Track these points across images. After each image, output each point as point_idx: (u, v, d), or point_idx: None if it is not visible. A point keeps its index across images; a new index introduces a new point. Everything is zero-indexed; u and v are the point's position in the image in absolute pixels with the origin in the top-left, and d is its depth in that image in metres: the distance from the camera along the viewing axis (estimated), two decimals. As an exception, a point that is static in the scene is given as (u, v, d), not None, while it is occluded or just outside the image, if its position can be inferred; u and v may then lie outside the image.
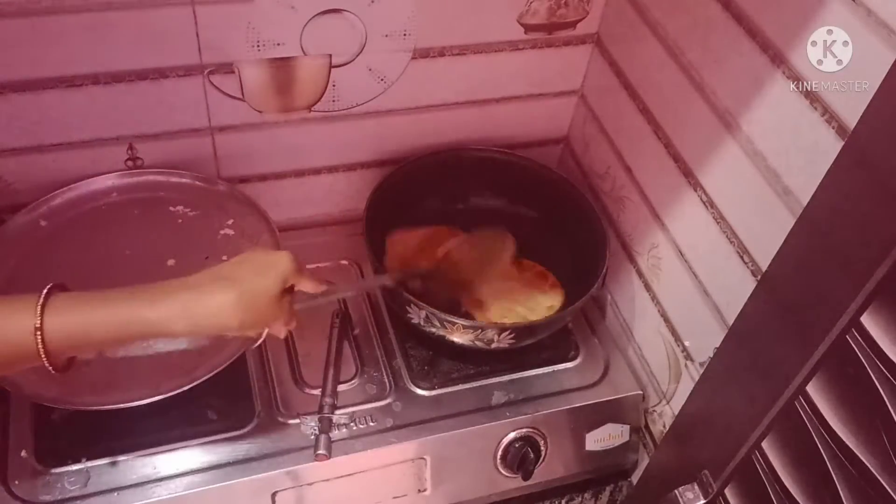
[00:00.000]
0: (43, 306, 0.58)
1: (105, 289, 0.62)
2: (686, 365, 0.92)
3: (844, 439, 0.62)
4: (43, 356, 0.58)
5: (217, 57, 0.90)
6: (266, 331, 0.71)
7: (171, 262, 0.92)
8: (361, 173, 1.10)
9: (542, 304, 0.99)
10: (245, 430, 0.88)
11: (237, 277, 0.64)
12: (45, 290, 0.59)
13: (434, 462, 0.92)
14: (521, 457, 0.92)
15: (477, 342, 0.90)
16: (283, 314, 0.68)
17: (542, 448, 0.95)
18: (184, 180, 0.99)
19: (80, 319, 0.60)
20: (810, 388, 0.64)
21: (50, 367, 0.60)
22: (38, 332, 0.57)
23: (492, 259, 0.95)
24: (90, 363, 0.64)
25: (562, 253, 1.06)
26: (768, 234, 0.73)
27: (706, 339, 0.86)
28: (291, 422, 0.89)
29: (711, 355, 0.84)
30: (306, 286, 0.71)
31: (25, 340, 0.58)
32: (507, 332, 0.90)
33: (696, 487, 0.79)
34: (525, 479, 0.93)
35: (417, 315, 0.90)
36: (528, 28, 1.00)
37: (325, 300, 0.77)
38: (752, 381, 0.71)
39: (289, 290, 0.69)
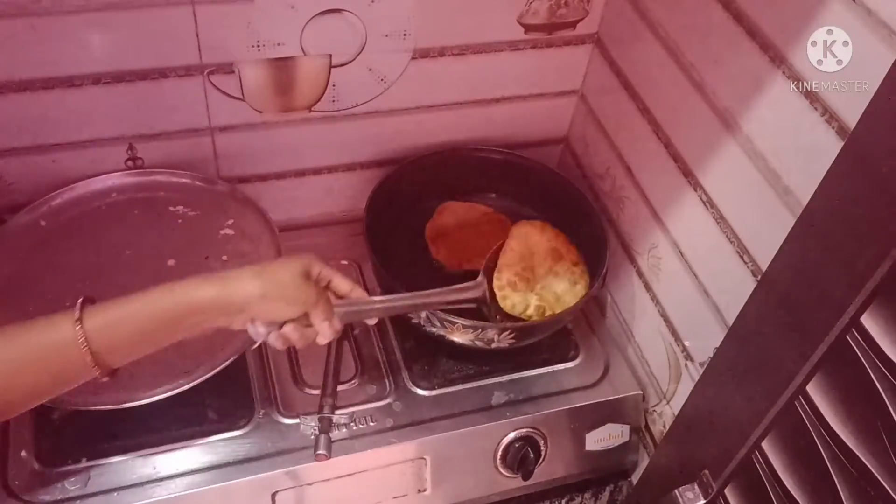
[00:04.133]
0: (80, 318, 0.59)
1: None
2: (686, 365, 0.92)
3: (844, 439, 0.62)
4: (92, 365, 0.60)
5: (217, 57, 0.90)
6: (281, 331, 0.70)
7: (171, 262, 0.92)
8: (361, 173, 1.10)
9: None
10: (245, 430, 0.88)
11: (261, 263, 0.70)
12: (78, 303, 0.60)
13: (434, 462, 0.92)
14: (521, 457, 0.92)
15: (477, 342, 0.90)
16: (311, 298, 0.69)
17: (542, 448, 0.95)
18: (184, 180, 0.99)
19: (119, 316, 0.61)
20: (810, 388, 0.64)
21: (99, 375, 0.61)
22: (85, 343, 0.59)
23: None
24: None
25: (562, 253, 1.06)
26: (768, 234, 0.73)
27: (706, 340, 0.86)
28: (291, 422, 0.89)
29: (711, 355, 0.84)
30: (339, 282, 0.74)
31: (72, 355, 0.59)
32: (507, 332, 0.90)
33: (696, 487, 0.79)
34: (525, 479, 0.93)
35: (417, 315, 0.90)
36: (528, 28, 1.00)
37: (373, 311, 0.79)
38: (752, 381, 0.71)
39: (320, 283, 0.72)
